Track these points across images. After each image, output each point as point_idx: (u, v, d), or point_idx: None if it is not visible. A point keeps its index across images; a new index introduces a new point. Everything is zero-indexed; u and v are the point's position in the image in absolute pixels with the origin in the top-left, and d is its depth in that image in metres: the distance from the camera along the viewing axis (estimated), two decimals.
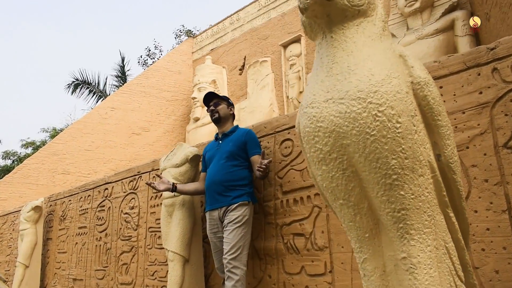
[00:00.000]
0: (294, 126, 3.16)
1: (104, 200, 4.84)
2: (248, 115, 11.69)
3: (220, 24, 14.27)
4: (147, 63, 18.86)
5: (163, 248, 3.84)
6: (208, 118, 12.27)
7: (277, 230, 3.05)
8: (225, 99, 3.30)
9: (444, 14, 9.40)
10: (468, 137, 2.28)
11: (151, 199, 4.24)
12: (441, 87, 2.43)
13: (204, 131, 12.35)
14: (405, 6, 9.71)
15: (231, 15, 14.09)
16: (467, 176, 2.24)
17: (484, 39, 8.37)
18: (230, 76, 13.41)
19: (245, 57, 13.11)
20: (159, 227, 3.96)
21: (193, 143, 10.91)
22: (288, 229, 2.98)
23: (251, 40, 13.15)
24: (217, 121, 3.22)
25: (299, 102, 10.81)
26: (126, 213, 4.47)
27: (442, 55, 9.95)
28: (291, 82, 11.54)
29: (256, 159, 2.96)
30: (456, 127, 2.33)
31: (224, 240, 2.82)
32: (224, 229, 2.86)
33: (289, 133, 3.18)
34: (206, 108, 3.37)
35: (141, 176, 4.46)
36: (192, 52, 14.82)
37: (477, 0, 9.24)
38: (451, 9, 9.47)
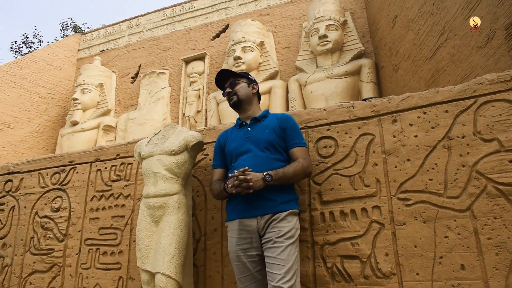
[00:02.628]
0: (335, 122, 2.58)
1: (4, 196, 3.35)
2: (138, 127, 10.60)
3: (116, 26, 13.03)
4: (21, 51, 15.88)
5: (110, 269, 2.73)
6: (90, 123, 10.81)
7: (316, 250, 2.36)
8: (244, 75, 2.55)
9: (353, 59, 10.17)
10: None
11: (92, 199, 3.05)
12: None
13: (83, 138, 10.83)
14: (318, 45, 10.20)
15: (131, 19, 13.01)
16: None
17: (387, 89, 9.12)
18: (120, 82, 12.14)
19: (140, 65, 12.12)
20: (103, 239, 2.84)
21: (66, 151, 9.45)
22: (333, 250, 2.32)
23: (149, 49, 12.28)
24: (237, 105, 2.45)
25: (196, 122, 10.37)
26: (44, 217, 3.14)
27: (348, 96, 10.61)
28: (190, 100, 11.02)
29: (298, 152, 2.26)
30: None
31: (270, 261, 2.00)
32: (269, 245, 2.04)
33: (328, 129, 2.58)
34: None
35: (75, 167, 3.22)
36: (78, 50, 13.19)
37: (383, 52, 10.12)
38: (359, 55, 10.30)
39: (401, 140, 2.38)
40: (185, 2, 13.29)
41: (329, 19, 10.36)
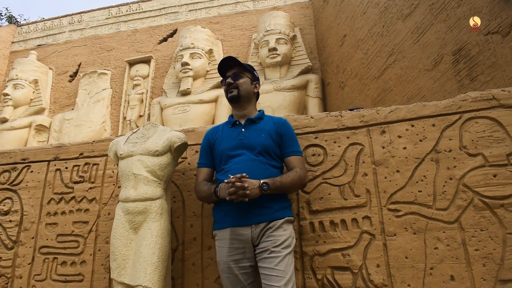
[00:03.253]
0: (323, 130, 2.54)
1: None
2: (74, 129, 10.03)
3: (57, 20, 12.31)
4: None
5: (70, 281, 2.45)
6: (21, 121, 10.03)
7: (305, 261, 2.28)
8: (250, 70, 2.39)
9: (301, 73, 10.50)
10: None
11: (49, 202, 2.71)
12: None
13: (12, 137, 10.06)
14: (267, 57, 10.44)
15: (73, 14, 12.37)
16: None
17: (333, 105, 9.47)
18: (57, 80, 11.45)
19: (80, 63, 11.54)
20: (62, 247, 2.55)
21: None
22: (323, 261, 2.25)
23: (91, 48, 11.74)
24: (235, 100, 2.27)
25: (137, 126, 10.04)
26: None
27: (295, 109, 10.87)
28: (132, 103, 10.69)
29: (295, 161, 2.17)
30: None
31: (267, 273, 1.86)
32: (265, 256, 1.91)
33: (316, 137, 2.53)
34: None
35: (29, 166, 2.85)
36: (12, 42, 12.26)
37: (330, 69, 10.51)
38: (306, 70, 10.67)
39: (390, 152, 2.40)
40: (132, 3, 12.87)
41: (279, 32, 10.60)
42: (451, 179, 2.26)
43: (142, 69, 11.34)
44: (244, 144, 2.14)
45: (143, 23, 12.78)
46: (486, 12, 5.33)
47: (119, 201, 2.23)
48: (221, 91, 10.63)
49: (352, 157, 2.44)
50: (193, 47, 10.32)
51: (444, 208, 2.22)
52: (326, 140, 2.51)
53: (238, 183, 1.88)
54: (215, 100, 10.24)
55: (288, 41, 10.63)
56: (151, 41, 12.11)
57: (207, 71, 10.63)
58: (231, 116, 2.34)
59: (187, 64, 10.02)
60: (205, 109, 9.65)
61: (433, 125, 2.40)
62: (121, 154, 2.28)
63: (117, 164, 2.38)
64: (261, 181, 1.94)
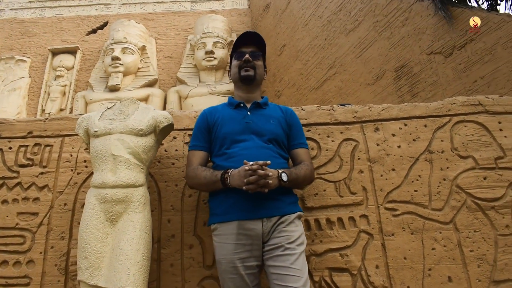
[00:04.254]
0: (316, 124, 2.41)
1: None
2: None
3: None
4: None
5: (12, 285, 1.99)
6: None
7: None
8: (264, 55, 2.16)
9: None
10: None
11: None
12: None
13: None
14: (204, 60, 10.29)
15: None
16: None
17: None
18: None
19: None
20: (2, 243, 2.07)
21: None
22: (320, 262, 2.08)
23: (10, 31, 10.62)
24: (250, 80, 2.02)
25: None
26: None
27: None
28: (53, 95, 9.84)
29: (305, 155, 2.00)
30: None
31: (282, 272, 1.63)
32: (278, 253, 1.68)
33: (309, 130, 2.38)
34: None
35: None
36: None
37: (266, 77, 10.54)
38: None
39: (385, 149, 2.33)
40: None
41: (217, 36, 10.46)
42: (444, 179, 2.25)
43: (66, 59, 10.44)
44: (251, 129, 1.90)
45: (70, 11, 11.83)
46: (430, 33, 5.70)
47: (91, 187, 1.84)
48: (152, 90, 10.12)
49: (347, 152, 2.32)
50: (126, 42, 9.73)
51: (440, 208, 2.19)
52: (319, 134, 2.37)
53: (261, 171, 1.63)
54: (145, 99, 9.71)
55: (226, 45, 10.51)
56: (79, 31, 11.20)
57: (139, 68, 10.09)
58: (231, 97, 2.10)
59: (118, 58, 9.39)
60: None
61: (425, 126, 2.39)
62: (95, 132, 1.90)
63: (88, 144, 1.99)
64: (280, 171, 1.72)
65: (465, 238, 2.13)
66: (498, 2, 8.35)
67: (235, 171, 1.71)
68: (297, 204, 1.87)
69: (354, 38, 7.61)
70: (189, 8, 12.53)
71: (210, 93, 10.03)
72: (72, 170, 2.25)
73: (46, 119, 2.39)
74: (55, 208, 2.17)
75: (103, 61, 9.86)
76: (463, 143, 2.33)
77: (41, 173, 2.24)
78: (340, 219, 2.17)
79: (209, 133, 1.96)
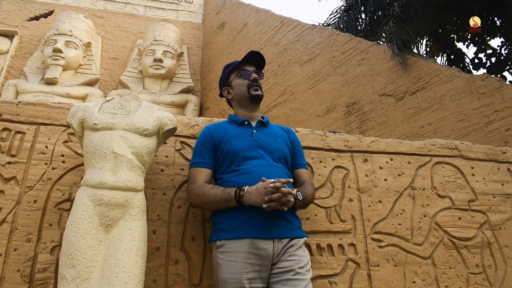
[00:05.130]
0: (309, 147, 2.41)
1: None
2: None
3: None
4: None
5: None
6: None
7: None
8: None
9: (182, 92, 10.34)
10: (501, 219, 2.48)
11: None
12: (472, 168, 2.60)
13: None
14: (151, 67, 10.11)
15: None
16: (502, 255, 2.38)
17: None
18: None
19: None
20: None
21: None
22: None
23: None
24: (259, 100, 2.02)
25: None
26: None
27: None
28: None
29: (307, 175, 1.98)
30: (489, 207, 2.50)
31: None
32: (289, 277, 1.61)
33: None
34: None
35: None
36: None
37: (212, 94, 10.59)
38: (187, 90, 10.58)
39: (373, 181, 2.39)
40: None
41: (168, 45, 10.31)
42: (425, 216, 2.36)
43: (2, 43, 9.55)
44: (260, 146, 1.86)
45: None
46: (384, 76, 6.09)
47: (84, 185, 1.63)
48: (92, 90, 9.57)
49: (338, 180, 2.34)
50: (71, 35, 9.16)
51: (420, 243, 2.28)
52: (312, 158, 2.36)
53: (284, 189, 1.57)
54: (83, 98, 9.14)
55: (175, 56, 10.35)
56: (20, 15, 10.33)
57: (80, 65, 9.51)
58: (234, 116, 2.04)
59: (60, 51, 8.78)
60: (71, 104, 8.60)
61: (409, 163, 2.50)
62: (95, 124, 1.70)
63: (81, 137, 1.77)
64: (296, 190, 1.67)
65: (441, 274, 2.23)
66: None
67: (252, 188, 1.64)
68: (302, 229, 1.83)
69: (308, 69, 7.88)
70: (142, 12, 12.17)
71: (153, 102, 9.72)
72: (46, 163, 1.99)
73: (20, 102, 2.10)
74: (23, 204, 1.88)
75: (42, 51, 9.14)
76: (441, 183, 2.48)
77: (8, 163, 1.94)
78: (329, 246, 2.15)
79: (214, 150, 1.88)
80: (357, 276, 2.11)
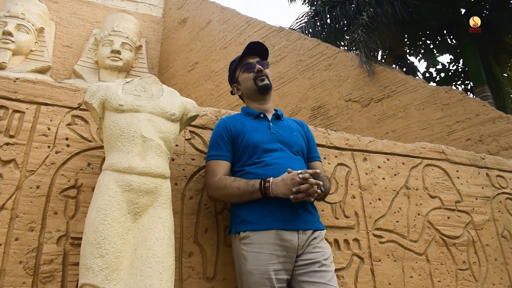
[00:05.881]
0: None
1: None
2: None
3: None
4: None
5: None
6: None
7: None
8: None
9: None
10: (482, 220, 2.67)
11: None
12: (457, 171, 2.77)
13: None
14: (108, 58, 9.79)
15: None
16: (484, 253, 2.55)
17: None
18: None
19: None
20: None
21: None
22: None
23: None
24: (268, 90, 1.98)
25: None
26: None
27: None
28: None
29: (320, 168, 2.00)
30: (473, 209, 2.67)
31: None
32: (315, 268, 1.61)
33: None
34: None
35: None
36: None
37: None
38: None
39: (373, 179, 2.46)
40: None
41: (127, 37, 10.00)
42: (419, 214, 2.47)
43: None
44: (279, 139, 1.86)
45: None
46: (351, 82, 6.31)
47: (109, 170, 1.51)
48: (42, 77, 8.93)
49: (342, 177, 2.38)
50: (23, 18, 8.55)
51: (415, 240, 2.38)
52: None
53: (312, 180, 1.57)
54: None
55: (133, 49, 10.01)
56: None
57: (31, 51, 8.89)
58: (248, 108, 2.00)
59: (10, 34, 8.13)
60: None
61: (403, 163, 2.61)
62: (120, 105, 1.59)
63: (101, 118, 1.65)
64: (320, 182, 1.67)
65: (434, 269, 2.34)
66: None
67: (278, 180, 1.63)
68: (320, 221, 1.84)
69: (274, 71, 7.95)
70: (100, 1, 11.62)
71: None
72: (49, 147, 1.82)
73: (18, 79, 1.91)
74: (24, 190, 1.71)
75: None
76: (431, 184, 2.61)
77: (7, 144, 1.75)
78: (336, 241, 2.18)
79: (232, 143, 1.84)
80: (361, 271, 2.16)
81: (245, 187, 1.67)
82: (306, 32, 9.11)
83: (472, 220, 2.60)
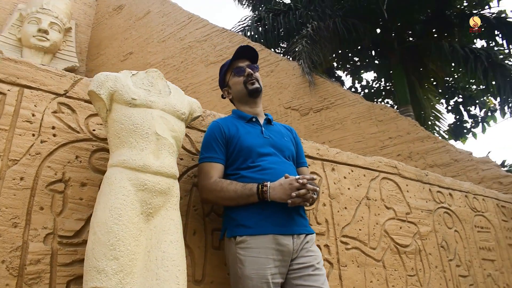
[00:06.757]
0: None
1: None
2: None
3: None
4: None
5: None
6: None
7: None
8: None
9: (65, 70, 9.46)
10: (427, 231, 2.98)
11: None
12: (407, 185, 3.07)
13: None
14: (34, 37, 9.14)
15: None
16: (428, 261, 2.87)
17: None
18: None
19: None
20: None
21: None
22: None
23: None
24: (258, 94, 2.00)
25: None
26: None
27: None
28: None
29: (306, 172, 2.09)
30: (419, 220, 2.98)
31: None
32: (309, 272, 1.68)
33: None
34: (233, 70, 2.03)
35: None
36: None
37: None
38: (71, 69, 9.75)
39: (340, 189, 2.62)
40: None
41: (57, 17, 9.39)
42: (377, 224, 2.68)
43: None
44: (271, 144, 1.90)
45: None
46: (291, 90, 6.56)
47: (121, 167, 1.43)
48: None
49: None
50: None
51: (375, 247, 2.59)
52: None
53: (310, 186, 1.65)
54: None
55: (62, 30, 9.34)
56: None
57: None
58: (239, 111, 2.02)
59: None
60: None
61: (364, 175, 2.81)
62: (133, 99, 1.51)
63: (108, 110, 1.54)
64: (316, 188, 1.76)
65: (389, 275, 2.56)
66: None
67: (276, 184, 1.68)
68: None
69: (214, 71, 7.94)
70: None
71: None
72: (33, 135, 1.65)
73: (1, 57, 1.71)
74: (7, 181, 1.53)
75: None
76: (387, 196, 2.85)
77: None
78: None
79: (225, 145, 1.86)
80: (331, 275, 2.29)
81: (242, 190, 1.69)
82: (248, 35, 9.24)
83: (419, 230, 2.90)
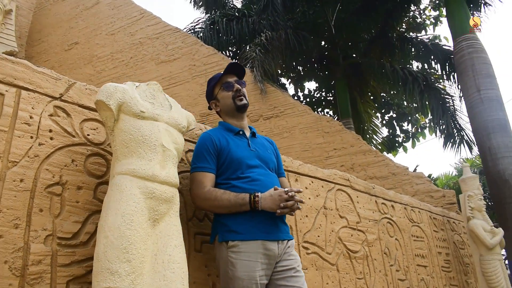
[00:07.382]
0: None
1: None
2: None
3: None
4: None
5: None
6: None
7: None
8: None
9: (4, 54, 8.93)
10: (373, 238, 3.34)
11: None
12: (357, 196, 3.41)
13: None
14: None
15: None
16: (373, 266, 3.21)
17: None
18: None
19: None
20: None
21: None
22: None
23: None
24: (245, 109, 2.17)
25: None
26: None
27: None
28: None
29: (285, 183, 2.30)
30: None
31: None
32: (291, 274, 1.88)
33: None
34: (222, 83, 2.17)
35: None
36: None
37: (40, 65, 9.39)
38: (10, 54, 9.15)
39: (302, 198, 2.86)
40: None
41: None
42: (332, 231, 2.97)
43: None
44: (258, 156, 2.09)
45: None
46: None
47: (131, 176, 1.52)
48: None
49: None
50: None
51: (330, 253, 2.86)
52: None
53: (297, 197, 1.86)
54: None
55: (2, 12, 8.72)
56: None
57: None
58: (227, 124, 2.18)
59: None
60: None
61: (322, 187, 3.09)
62: (142, 112, 1.60)
63: (115, 121, 1.62)
64: (302, 200, 1.97)
65: (342, 278, 2.85)
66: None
67: (266, 195, 1.87)
68: None
69: (165, 70, 7.94)
70: None
71: None
72: (32, 137, 1.67)
73: None
74: (7, 182, 1.55)
75: None
76: (341, 206, 3.15)
77: None
78: None
79: (216, 156, 2.00)
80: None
81: (235, 200, 1.85)
82: (199, 36, 9.31)
83: (367, 238, 3.23)
